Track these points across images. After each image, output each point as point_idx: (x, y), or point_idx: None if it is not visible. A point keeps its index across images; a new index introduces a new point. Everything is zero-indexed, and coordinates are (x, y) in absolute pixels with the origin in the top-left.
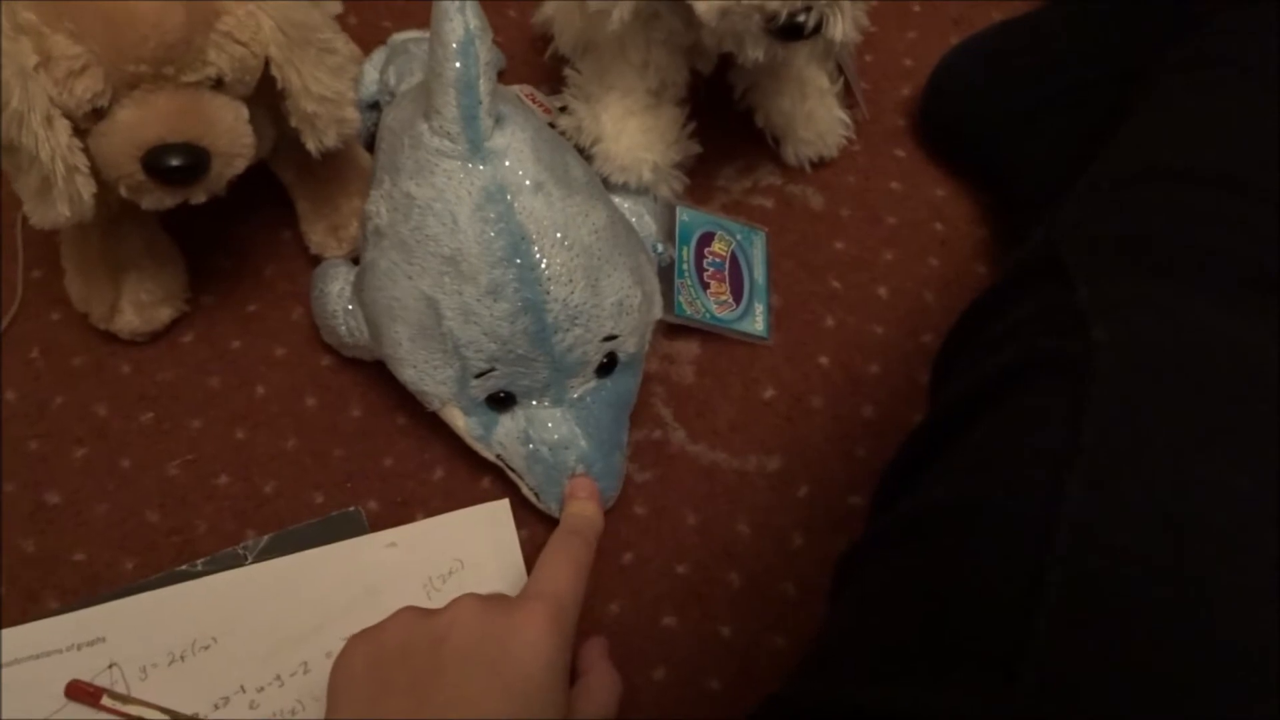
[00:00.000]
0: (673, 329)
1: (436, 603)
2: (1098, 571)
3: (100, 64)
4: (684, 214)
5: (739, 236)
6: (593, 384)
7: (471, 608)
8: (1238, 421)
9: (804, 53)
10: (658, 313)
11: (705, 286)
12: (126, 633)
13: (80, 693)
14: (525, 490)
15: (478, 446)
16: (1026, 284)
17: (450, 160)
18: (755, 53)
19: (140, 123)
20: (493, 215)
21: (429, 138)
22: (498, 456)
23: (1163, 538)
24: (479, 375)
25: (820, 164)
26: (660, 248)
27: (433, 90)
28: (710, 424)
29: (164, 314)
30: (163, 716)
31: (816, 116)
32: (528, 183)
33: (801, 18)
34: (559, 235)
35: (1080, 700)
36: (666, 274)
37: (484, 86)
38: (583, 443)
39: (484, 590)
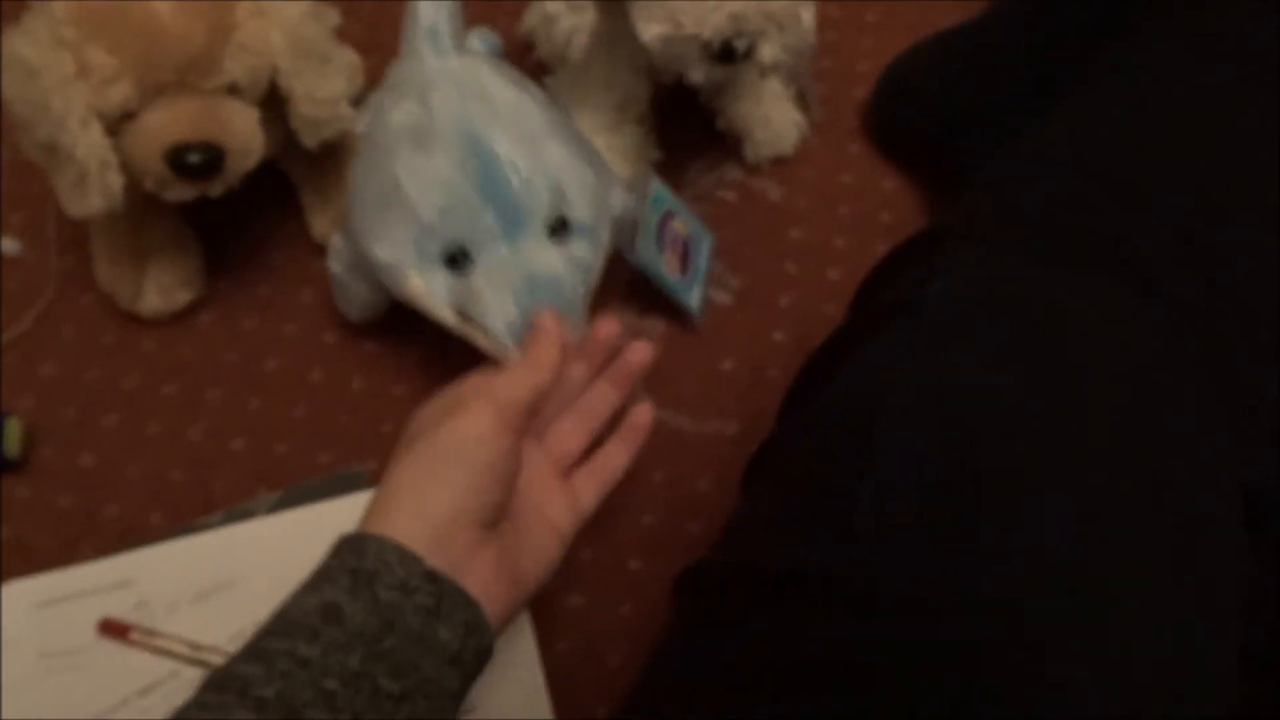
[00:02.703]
0: (644, 308)
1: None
2: (907, 452)
3: (131, 74)
4: (658, 186)
5: (694, 228)
6: (547, 246)
7: (433, 404)
8: (1020, 349)
9: (742, 73)
10: (617, 204)
11: (661, 251)
12: (153, 576)
13: (111, 629)
14: (481, 341)
15: (436, 307)
16: (919, 247)
17: (420, 63)
18: (696, 76)
19: (165, 125)
20: (453, 94)
21: (404, 66)
22: (458, 313)
23: (953, 428)
24: (432, 230)
25: (779, 160)
26: (631, 199)
27: (407, 32)
28: (675, 392)
29: (184, 297)
30: (186, 649)
31: (773, 120)
32: (492, 77)
33: (735, 43)
34: (510, 111)
35: (901, 552)
36: (632, 225)
37: (445, 12)
38: (531, 269)
39: None
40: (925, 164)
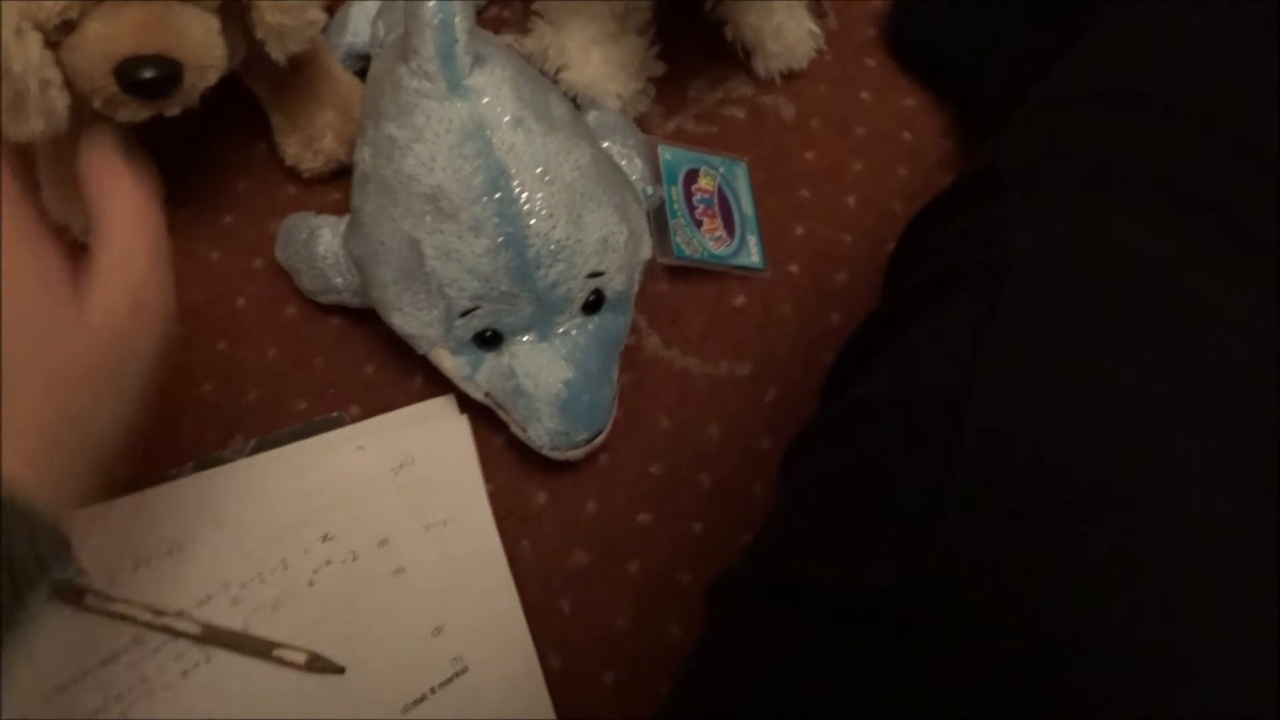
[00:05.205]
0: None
1: (403, 499)
2: (1001, 460)
3: None
4: (666, 152)
5: (722, 170)
6: (579, 321)
7: None
8: (1137, 324)
9: None
10: (646, 253)
11: (699, 224)
12: (102, 536)
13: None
14: (514, 427)
15: (466, 387)
16: (968, 196)
17: (428, 100)
18: None
19: (111, 35)
20: (470, 152)
21: (408, 79)
22: (486, 395)
23: (1062, 429)
24: (464, 314)
25: (791, 75)
26: (650, 190)
27: (410, 31)
28: (682, 331)
29: None
30: (146, 614)
31: (785, 30)
32: (506, 119)
33: None
34: (539, 170)
35: (983, 581)
36: (659, 216)
37: (460, 25)
38: (568, 372)
39: (438, 488)
40: (948, 80)
